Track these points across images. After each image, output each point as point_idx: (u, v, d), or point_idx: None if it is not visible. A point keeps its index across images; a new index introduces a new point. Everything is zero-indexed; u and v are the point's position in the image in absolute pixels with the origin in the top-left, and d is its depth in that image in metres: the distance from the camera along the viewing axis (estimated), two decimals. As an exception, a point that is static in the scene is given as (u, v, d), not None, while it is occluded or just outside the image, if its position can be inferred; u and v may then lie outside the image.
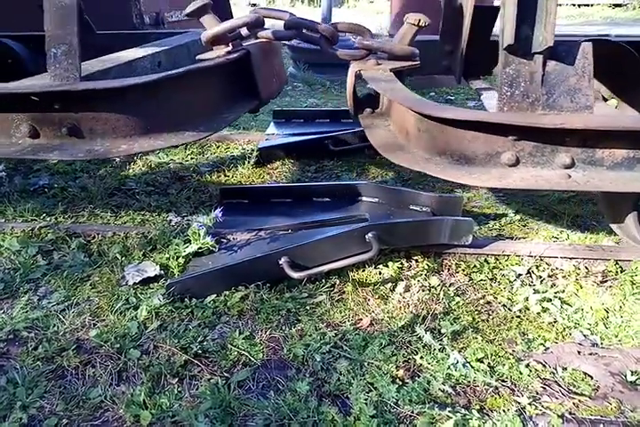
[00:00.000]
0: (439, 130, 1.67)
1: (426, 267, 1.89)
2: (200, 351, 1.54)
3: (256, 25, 2.11)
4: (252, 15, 2.07)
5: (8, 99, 1.71)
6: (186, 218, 2.27)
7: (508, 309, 1.73)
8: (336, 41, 2.14)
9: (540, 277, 1.85)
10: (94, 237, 2.06)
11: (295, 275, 1.72)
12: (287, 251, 1.75)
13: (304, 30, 2.14)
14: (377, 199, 2.27)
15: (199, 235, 1.89)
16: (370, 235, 1.75)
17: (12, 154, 1.74)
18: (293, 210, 2.26)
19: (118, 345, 1.55)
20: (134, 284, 1.80)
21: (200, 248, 1.89)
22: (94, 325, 1.65)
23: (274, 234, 2.00)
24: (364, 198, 2.29)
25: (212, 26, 2.01)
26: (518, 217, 2.35)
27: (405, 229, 1.86)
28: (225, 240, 1.99)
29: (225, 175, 2.81)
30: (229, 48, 2.03)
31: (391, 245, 1.87)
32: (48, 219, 2.25)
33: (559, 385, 1.43)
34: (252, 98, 2.18)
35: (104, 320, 1.67)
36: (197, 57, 2.05)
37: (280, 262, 1.73)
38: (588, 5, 12.83)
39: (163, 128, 1.80)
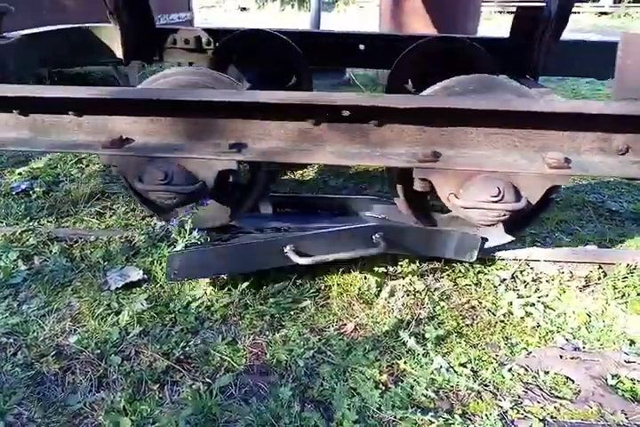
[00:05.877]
0: None
1: (411, 271, 1.89)
2: (182, 357, 1.52)
3: None
4: None
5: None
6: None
7: (492, 313, 1.74)
8: None
9: (524, 281, 1.86)
10: (76, 242, 2.04)
11: (301, 260, 1.68)
12: (293, 239, 1.72)
13: None
14: (383, 215, 2.23)
15: (185, 230, 1.85)
16: (377, 235, 1.73)
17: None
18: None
19: (99, 351, 1.53)
20: (117, 289, 1.78)
21: (187, 246, 1.85)
22: (75, 330, 1.63)
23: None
24: (367, 213, 2.26)
25: None
26: (503, 222, 2.36)
27: (412, 235, 1.83)
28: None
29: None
30: None
31: (396, 249, 1.83)
32: (30, 223, 2.22)
33: (541, 389, 1.44)
34: None
35: (85, 326, 1.65)
36: None
37: (285, 250, 1.70)
38: (576, 13, 13.03)
39: None
